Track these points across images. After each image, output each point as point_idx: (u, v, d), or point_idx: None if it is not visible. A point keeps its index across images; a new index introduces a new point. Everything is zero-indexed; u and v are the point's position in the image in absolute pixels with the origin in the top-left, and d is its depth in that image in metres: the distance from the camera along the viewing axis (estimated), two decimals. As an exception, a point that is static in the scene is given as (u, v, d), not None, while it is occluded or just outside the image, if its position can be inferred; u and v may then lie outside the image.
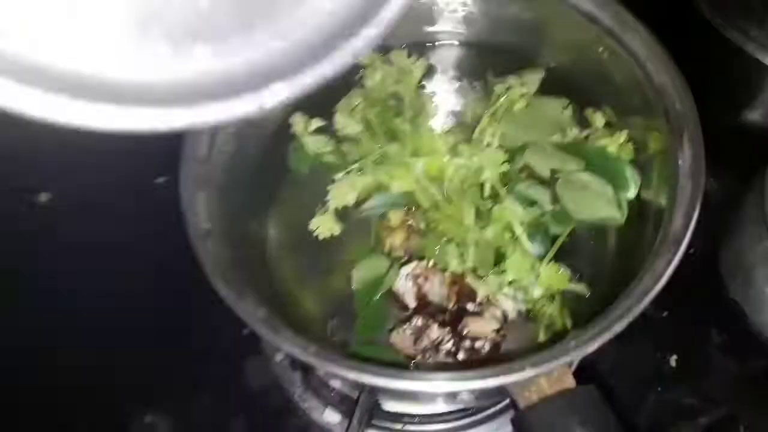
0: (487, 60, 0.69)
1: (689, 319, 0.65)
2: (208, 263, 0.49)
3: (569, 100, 0.64)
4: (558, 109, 0.64)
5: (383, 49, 0.67)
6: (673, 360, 0.64)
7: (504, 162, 0.60)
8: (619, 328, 0.44)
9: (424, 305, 0.58)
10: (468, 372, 0.43)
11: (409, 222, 0.62)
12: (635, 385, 0.63)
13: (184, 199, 0.52)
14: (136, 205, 0.72)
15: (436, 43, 0.71)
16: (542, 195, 0.59)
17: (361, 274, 0.61)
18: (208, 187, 0.54)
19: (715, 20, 0.76)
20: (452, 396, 0.52)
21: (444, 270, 0.59)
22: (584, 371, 0.55)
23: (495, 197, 0.61)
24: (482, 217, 0.60)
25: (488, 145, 0.63)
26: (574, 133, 0.63)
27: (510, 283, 0.58)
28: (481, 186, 0.61)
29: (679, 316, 0.64)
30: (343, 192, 0.61)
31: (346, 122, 0.64)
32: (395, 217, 0.62)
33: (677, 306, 0.64)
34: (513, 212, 0.58)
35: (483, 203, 0.60)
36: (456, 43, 0.71)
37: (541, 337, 0.57)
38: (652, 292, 0.46)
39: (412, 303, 0.58)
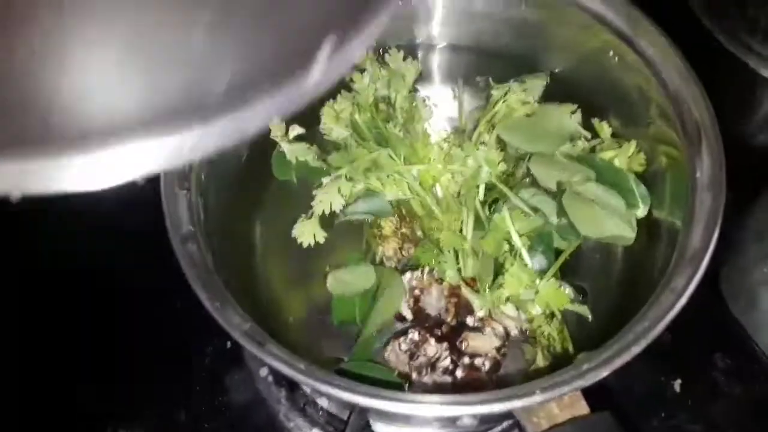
0: (488, 64, 0.67)
1: (693, 341, 0.63)
2: (190, 268, 0.46)
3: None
4: (565, 116, 0.61)
5: (375, 49, 0.64)
6: (677, 384, 0.61)
7: (500, 161, 0.58)
8: (637, 349, 0.41)
9: (421, 318, 0.55)
10: (474, 396, 0.40)
11: (402, 230, 0.59)
12: (638, 410, 0.60)
13: (166, 200, 0.49)
14: (114, 206, 0.68)
15: (434, 46, 0.68)
16: (547, 205, 0.56)
17: (343, 278, 0.57)
18: (191, 189, 0.51)
19: (718, 34, 0.75)
20: (453, 420, 0.48)
21: (441, 280, 0.56)
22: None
23: (494, 202, 0.58)
24: (481, 225, 0.57)
25: (483, 143, 0.60)
26: (581, 143, 0.60)
27: (507, 299, 0.55)
28: (478, 188, 0.58)
29: (682, 339, 0.61)
30: (329, 197, 0.58)
31: (332, 127, 0.61)
32: (387, 225, 0.59)
33: (680, 328, 0.61)
34: (512, 221, 0.55)
35: (482, 211, 0.57)
36: (454, 45, 0.68)
37: (539, 359, 0.54)
38: (672, 311, 0.43)
39: (408, 315, 0.55)
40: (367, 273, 0.57)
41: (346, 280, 0.57)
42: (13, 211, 0.70)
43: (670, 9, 0.74)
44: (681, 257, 0.46)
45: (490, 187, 0.58)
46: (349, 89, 0.63)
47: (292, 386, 0.59)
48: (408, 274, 0.57)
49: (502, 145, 0.61)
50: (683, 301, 0.43)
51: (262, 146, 0.61)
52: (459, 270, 0.56)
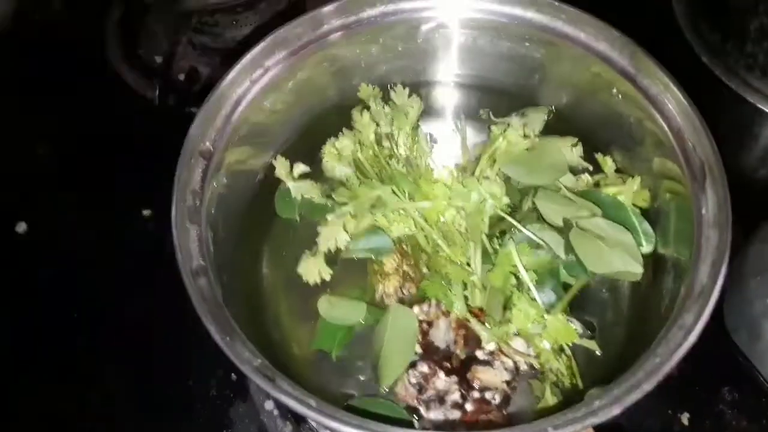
0: (492, 100, 0.68)
1: (699, 374, 0.63)
2: (201, 303, 0.46)
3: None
4: (566, 148, 0.62)
5: (380, 86, 0.65)
6: (685, 418, 0.61)
7: (503, 195, 0.58)
8: (648, 387, 0.42)
9: (430, 351, 0.55)
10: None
11: (404, 268, 0.59)
12: (647, 444, 0.60)
13: (177, 234, 0.49)
14: (121, 238, 0.69)
15: (438, 82, 0.69)
16: (554, 240, 0.56)
17: (336, 304, 0.57)
18: (201, 223, 0.51)
19: (717, 70, 0.76)
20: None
21: (447, 313, 0.56)
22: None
23: (502, 234, 0.58)
24: (489, 259, 0.57)
25: (486, 177, 0.60)
26: (585, 178, 0.60)
27: (516, 333, 0.55)
28: (483, 221, 0.58)
29: (689, 372, 0.61)
30: (334, 233, 0.58)
31: (335, 165, 0.62)
32: (389, 262, 0.59)
33: (686, 360, 0.61)
34: (519, 255, 0.55)
35: (489, 244, 0.57)
36: (458, 82, 0.69)
37: (548, 394, 0.53)
38: (682, 348, 0.43)
39: (417, 349, 0.55)
40: (358, 310, 0.57)
41: (337, 308, 0.57)
42: (21, 240, 0.72)
43: (670, 46, 0.76)
44: (689, 294, 0.47)
45: (496, 221, 0.59)
46: (351, 127, 0.63)
47: (297, 420, 0.59)
48: (416, 308, 0.56)
49: (505, 178, 0.61)
50: (693, 338, 0.44)
51: (269, 183, 0.62)
52: (466, 299, 0.56)
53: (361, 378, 0.56)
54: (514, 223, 0.57)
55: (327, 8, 0.59)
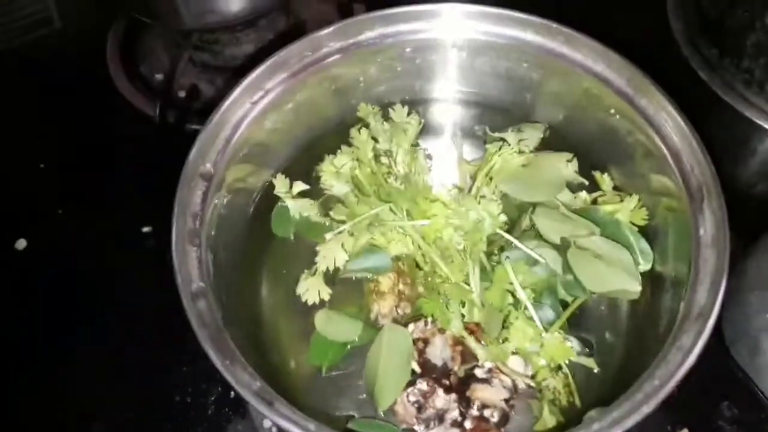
0: (490, 118, 0.68)
1: (698, 389, 0.62)
2: (201, 328, 0.46)
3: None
4: (561, 163, 0.62)
5: (379, 105, 0.65)
6: (684, 433, 0.61)
7: (500, 213, 0.58)
8: (648, 409, 0.42)
9: (428, 369, 0.55)
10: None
11: (400, 287, 0.59)
12: (645, 460, 0.59)
13: (176, 256, 0.49)
14: (121, 255, 0.69)
15: (434, 100, 0.69)
16: (551, 256, 0.56)
17: (332, 319, 0.57)
18: (201, 245, 0.51)
19: (715, 85, 0.77)
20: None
21: (443, 330, 0.56)
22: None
23: (500, 250, 0.58)
24: (487, 277, 0.57)
25: (484, 197, 0.61)
26: (582, 195, 0.61)
27: (513, 352, 0.55)
28: (482, 240, 0.58)
29: (688, 387, 0.61)
30: (333, 253, 0.59)
31: (333, 183, 0.62)
32: (385, 281, 0.59)
33: (687, 377, 0.61)
34: (515, 273, 0.55)
35: (487, 262, 0.57)
36: (457, 99, 0.69)
37: (546, 413, 0.53)
38: (681, 369, 0.43)
39: (416, 368, 0.55)
40: (354, 327, 0.57)
41: (334, 324, 0.57)
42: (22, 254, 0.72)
43: (667, 62, 0.76)
44: (687, 315, 0.47)
45: (493, 239, 0.59)
46: (350, 144, 0.64)
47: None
48: (411, 326, 0.57)
49: (502, 195, 0.61)
50: (692, 360, 0.44)
51: (268, 202, 0.62)
52: (463, 316, 0.56)
53: (360, 397, 0.56)
54: (512, 239, 0.57)
55: (326, 31, 0.59)
